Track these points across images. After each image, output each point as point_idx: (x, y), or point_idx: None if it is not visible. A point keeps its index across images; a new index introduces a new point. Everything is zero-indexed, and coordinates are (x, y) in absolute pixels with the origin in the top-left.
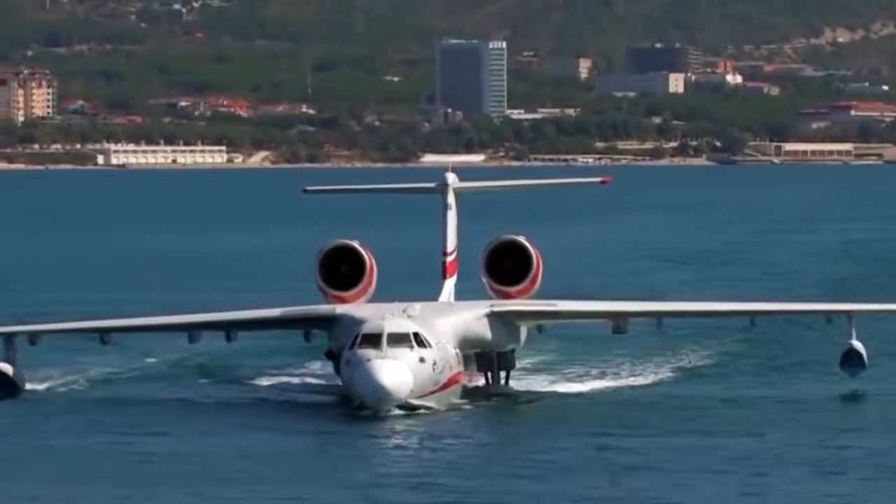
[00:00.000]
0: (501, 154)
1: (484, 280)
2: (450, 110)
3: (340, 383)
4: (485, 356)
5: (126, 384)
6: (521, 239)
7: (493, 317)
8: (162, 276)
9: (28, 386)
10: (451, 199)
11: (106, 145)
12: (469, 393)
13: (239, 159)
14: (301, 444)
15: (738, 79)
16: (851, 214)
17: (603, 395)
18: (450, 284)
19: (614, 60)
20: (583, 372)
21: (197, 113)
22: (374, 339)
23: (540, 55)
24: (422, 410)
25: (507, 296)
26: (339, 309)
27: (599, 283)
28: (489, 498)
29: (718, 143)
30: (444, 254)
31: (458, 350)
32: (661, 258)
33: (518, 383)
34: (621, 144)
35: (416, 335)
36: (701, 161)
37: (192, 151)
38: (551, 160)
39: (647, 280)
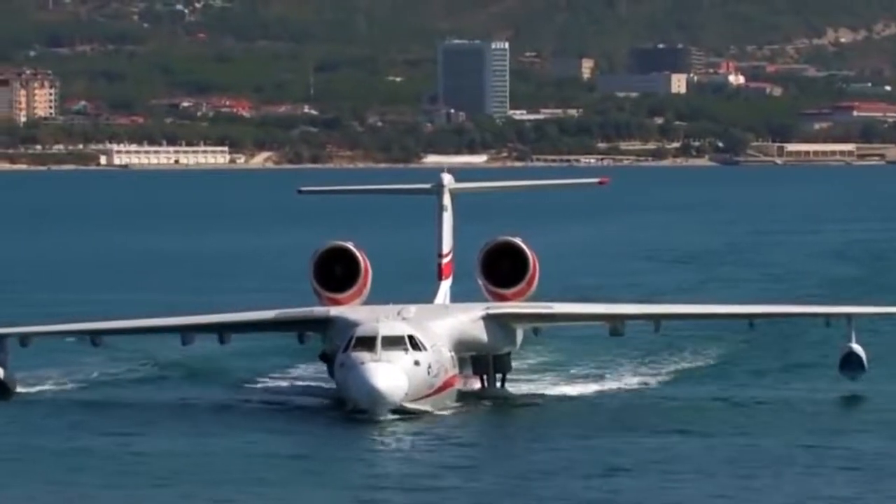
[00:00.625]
0: (504, 155)
1: (480, 282)
2: (452, 111)
3: (335, 386)
4: (481, 359)
5: (119, 386)
6: (517, 240)
7: (489, 319)
8: (163, 277)
9: (19, 389)
10: (446, 200)
11: (108, 146)
12: (465, 396)
13: (241, 160)
14: (294, 445)
15: (741, 79)
16: (853, 215)
17: (600, 397)
18: (445, 286)
19: (617, 61)
20: (581, 373)
21: (199, 113)
22: (368, 342)
23: (542, 56)
24: (417, 414)
25: (503, 298)
26: (334, 311)
27: (599, 284)
28: (483, 499)
29: (721, 144)
30: (440, 255)
31: (453, 353)
32: (662, 259)
33: (518, 385)
34: (624, 145)
35: (410, 338)
36: (703, 162)
37: (194, 152)
38: (554, 161)
39: (647, 281)
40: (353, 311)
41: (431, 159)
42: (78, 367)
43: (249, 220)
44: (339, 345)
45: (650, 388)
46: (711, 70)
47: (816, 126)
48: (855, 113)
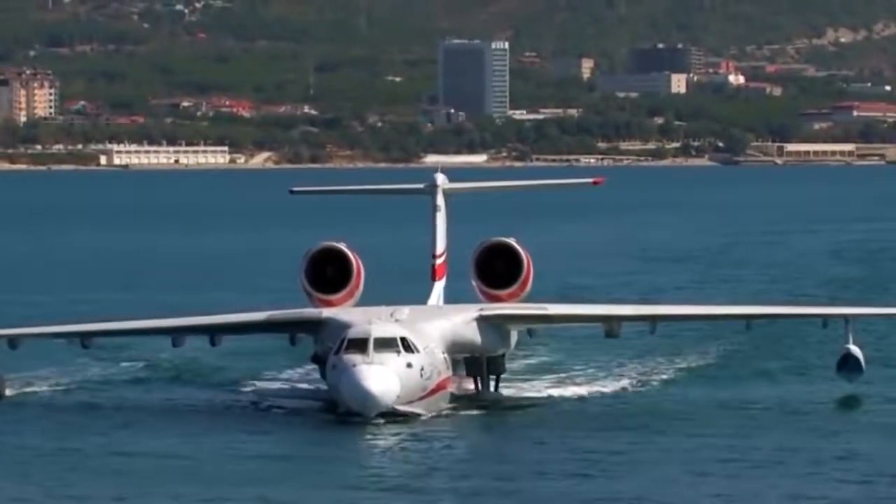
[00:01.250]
0: (504, 154)
1: (473, 283)
2: (452, 111)
3: (327, 388)
4: (474, 361)
5: (110, 388)
6: (511, 241)
7: (483, 321)
8: (159, 277)
9: (8, 392)
10: (440, 200)
11: (108, 146)
12: (458, 398)
13: (241, 160)
14: (283, 446)
15: (741, 79)
16: (853, 215)
17: (595, 399)
18: (439, 287)
19: (617, 61)
20: (579, 375)
21: (199, 113)
22: (360, 344)
23: (542, 56)
24: (409, 416)
25: (497, 299)
26: (326, 313)
27: (597, 284)
28: (476, 500)
29: (721, 144)
30: (434, 256)
31: (446, 355)
32: (660, 258)
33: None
34: (623, 145)
35: (403, 340)
36: (703, 161)
37: (194, 152)
38: (554, 161)
39: (645, 280)
40: (346, 312)
41: (431, 159)
42: (68, 368)
43: (248, 219)
44: (331, 346)
45: (647, 388)
46: (711, 70)
47: (816, 126)
48: (855, 113)
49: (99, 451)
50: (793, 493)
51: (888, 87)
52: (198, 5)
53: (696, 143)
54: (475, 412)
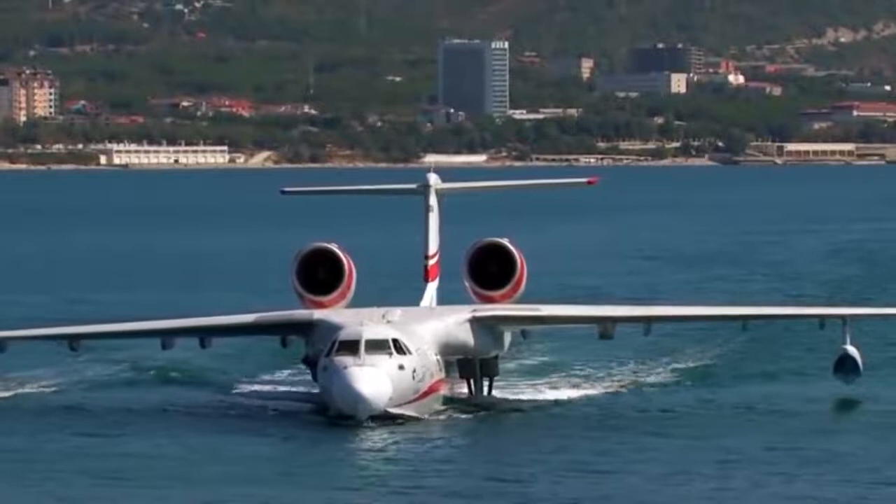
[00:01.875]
0: (504, 154)
1: (466, 284)
2: (452, 110)
3: (318, 390)
4: (467, 363)
5: (101, 390)
6: (505, 241)
7: (476, 322)
8: (156, 277)
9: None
10: (433, 200)
11: (108, 145)
12: (451, 401)
13: (241, 159)
14: (274, 448)
15: (741, 79)
16: (853, 215)
17: (588, 400)
18: (432, 289)
19: (616, 61)
20: (572, 375)
21: (199, 113)
22: (351, 346)
23: (542, 55)
24: (401, 419)
25: (490, 300)
26: (317, 314)
27: (594, 284)
28: (468, 502)
29: (720, 144)
30: (427, 257)
31: (439, 357)
32: (657, 258)
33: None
34: (623, 145)
35: (395, 342)
36: (703, 161)
37: (194, 152)
38: (554, 160)
39: (643, 281)
40: (337, 314)
41: (431, 159)
42: (61, 369)
43: (246, 219)
44: (323, 349)
45: (639, 389)
46: (711, 70)
47: (816, 126)
48: (855, 113)
49: (88, 452)
50: (779, 493)
51: (888, 87)
52: (197, 5)
53: (695, 143)
54: (468, 414)
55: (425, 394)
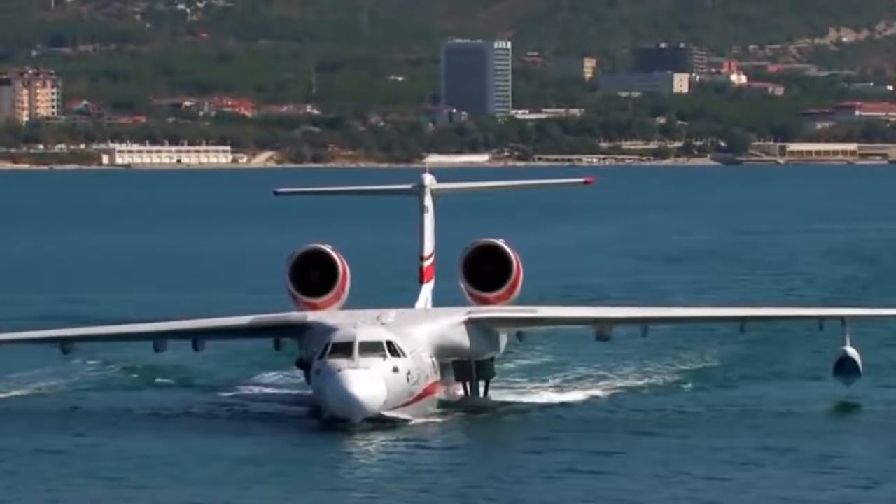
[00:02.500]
0: (506, 154)
1: (462, 286)
2: (454, 110)
3: (312, 393)
4: (463, 365)
5: (92, 392)
6: (500, 242)
7: (471, 324)
8: (160, 277)
9: None
10: (428, 201)
11: (110, 145)
12: (446, 403)
13: (243, 159)
14: (264, 449)
15: (743, 79)
16: (856, 214)
17: (586, 402)
18: (427, 290)
19: (619, 60)
20: (570, 378)
21: (201, 113)
22: (345, 348)
23: (544, 55)
24: (396, 422)
25: (485, 302)
26: (311, 316)
27: (596, 283)
28: (463, 502)
29: (723, 143)
30: (422, 258)
31: (434, 359)
32: (658, 258)
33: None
34: (626, 144)
35: (389, 344)
36: (705, 161)
37: (196, 152)
38: (556, 160)
39: (642, 281)
40: (331, 316)
41: (433, 159)
42: (57, 370)
43: (246, 219)
44: (316, 351)
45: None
46: (713, 70)
47: (818, 126)
48: (857, 112)
49: (82, 452)
50: (772, 495)
51: (890, 87)
52: (200, 5)
53: (698, 143)
54: (464, 417)
55: (420, 396)
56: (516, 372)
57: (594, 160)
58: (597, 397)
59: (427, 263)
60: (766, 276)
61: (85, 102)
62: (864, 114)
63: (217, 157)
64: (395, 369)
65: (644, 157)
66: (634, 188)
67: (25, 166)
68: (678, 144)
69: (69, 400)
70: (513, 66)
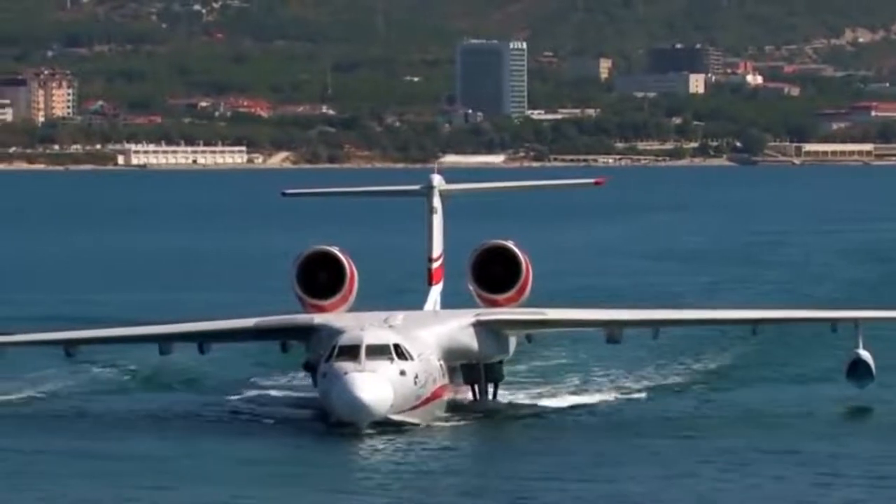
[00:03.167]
0: (522, 155)
1: (470, 287)
2: (470, 111)
3: (318, 397)
4: (472, 368)
5: (94, 396)
6: (510, 244)
7: (480, 326)
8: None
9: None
10: (436, 202)
11: (126, 146)
12: (454, 407)
13: (259, 160)
14: (274, 453)
15: (759, 79)
16: (871, 214)
17: (594, 405)
18: (435, 292)
19: (634, 61)
20: (579, 381)
21: (217, 113)
22: (351, 351)
23: (560, 56)
24: (403, 426)
25: (494, 304)
26: (318, 319)
27: (608, 284)
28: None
29: (738, 144)
30: (430, 260)
31: (442, 362)
32: (672, 259)
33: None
34: (641, 145)
35: (396, 347)
36: (721, 161)
37: (212, 152)
38: (572, 161)
39: (656, 282)
40: (338, 318)
41: (449, 159)
42: (61, 372)
43: (261, 220)
44: (323, 354)
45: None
46: (729, 70)
47: (834, 126)
48: (873, 113)
49: (83, 455)
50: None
51: None
52: (215, 5)
53: (713, 144)
54: (472, 421)
55: (428, 400)
56: (526, 373)
57: (610, 161)
58: (605, 400)
59: (435, 265)
60: (780, 276)
61: (101, 103)
62: (879, 114)
63: (233, 157)
64: (403, 372)
65: (660, 158)
66: (649, 188)
67: (41, 167)
68: (694, 145)
69: (74, 400)
70: (528, 66)
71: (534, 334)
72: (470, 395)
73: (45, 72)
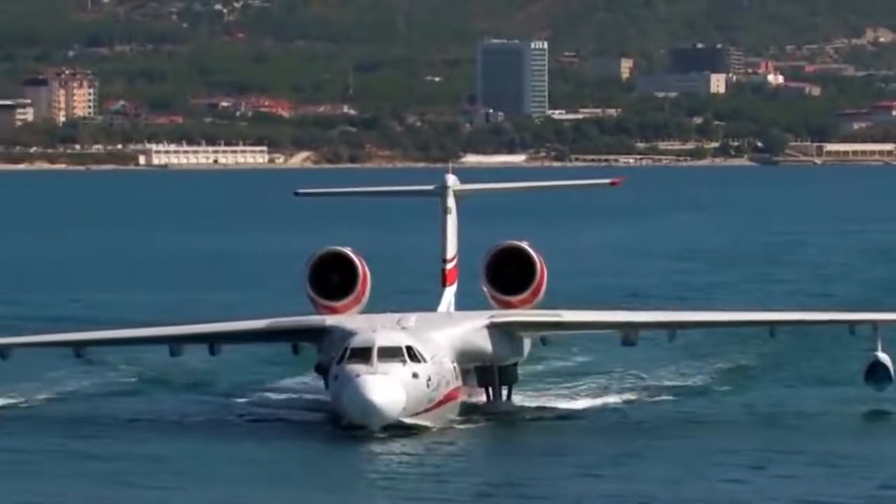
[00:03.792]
0: (543, 154)
1: (484, 289)
2: (491, 111)
3: (330, 399)
4: (485, 370)
5: (100, 399)
6: (524, 245)
7: (494, 328)
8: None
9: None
10: (450, 202)
11: (147, 145)
12: (468, 410)
13: (280, 159)
14: (282, 453)
15: (780, 79)
16: (892, 215)
17: (609, 407)
18: (450, 294)
19: (656, 61)
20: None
21: (238, 113)
22: (363, 353)
23: (581, 55)
24: (416, 429)
25: (508, 305)
26: (330, 320)
27: (628, 285)
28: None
29: (760, 144)
30: (444, 261)
31: (455, 364)
32: (692, 259)
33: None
34: (662, 145)
35: (409, 349)
36: (742, 161)
37: (233, 152)
38: (593, 160)
39: (674, 282)
40: (350, 320)
41: (470, 159)
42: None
43: (279, 221)
44: (335, 356)
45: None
46: (750, 70)
47: (855, 126)
48: (894, 113)
49: (91, 454)
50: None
51: None
52: (237, 5)
53: (735, 143)
54: (486, 424)
55: (441, 402)
56: (539, 376)
57: (631, 160)
58: (614, 402)
59: (450, 266)
60: (799, 276)
61: (122, 103)
62: None
63: (254, 157)
64: (415, 375)
65: (681, 158)
66: (670, 188)
67: (62, 166)
68: (715, 145)
69: (78, 401)
70: (549, 66)
71: (548, 336)
72: (484, 398)
73: (67, 72)
